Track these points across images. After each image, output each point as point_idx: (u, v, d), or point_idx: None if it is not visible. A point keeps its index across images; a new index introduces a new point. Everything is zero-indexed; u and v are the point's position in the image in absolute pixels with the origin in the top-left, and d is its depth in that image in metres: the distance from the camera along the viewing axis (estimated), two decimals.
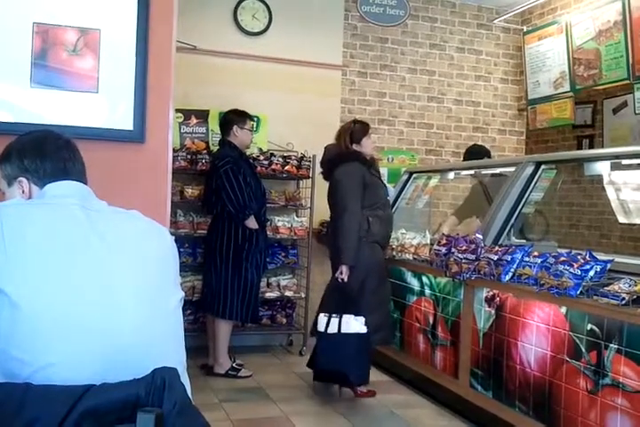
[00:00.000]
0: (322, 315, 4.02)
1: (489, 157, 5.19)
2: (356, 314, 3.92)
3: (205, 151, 4.97)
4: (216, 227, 4.51)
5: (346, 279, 3.98)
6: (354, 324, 3.90)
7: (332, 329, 3.91)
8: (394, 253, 4.48)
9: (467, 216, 4.77)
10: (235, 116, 4.59)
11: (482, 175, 4.94)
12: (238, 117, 4.58)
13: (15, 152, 1.62)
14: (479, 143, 5.81)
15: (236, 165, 4.40)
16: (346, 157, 4.14)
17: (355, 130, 4.19)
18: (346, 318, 3.91)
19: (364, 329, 3.91)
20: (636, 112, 4.90)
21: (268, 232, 4.79)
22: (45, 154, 1.61)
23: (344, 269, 3.98)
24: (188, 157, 4.90)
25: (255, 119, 5.24)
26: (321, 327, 3.97)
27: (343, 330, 3.89)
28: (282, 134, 5.38)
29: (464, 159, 5.28)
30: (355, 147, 4.16)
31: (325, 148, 4.35)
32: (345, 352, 3.85)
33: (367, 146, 4.23)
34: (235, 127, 4.53)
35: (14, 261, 1.34)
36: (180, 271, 1.66)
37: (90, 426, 1.17)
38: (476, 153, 5.12)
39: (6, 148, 1.65)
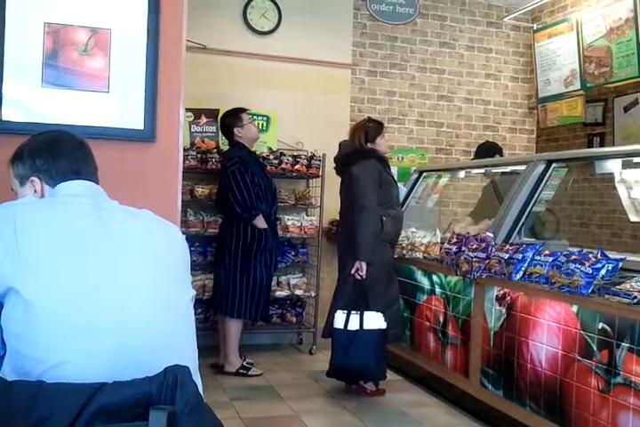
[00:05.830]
0: (339, 312, 4.00)
1: (500, 153, 5.15)
2: (377, 310, 3.95)
3: (215, 150, 4.98)
4: (226, 226, 4.52)
5: (365, 276, 3.99)
6: (376, 320, 3.93)
7: (353, 326, 3.92)
8: (404, 251, 4.47)
9: (480, 219, 4.73)
10: (230, 118, 4.56)
11: (492, 174, 4.91)
12: (233, 119, 4.54)
13: (27, 152, 1.63)
14: (490, 140, 5.78)
15: (244, 164, 4.40)
16: (363, 153, 4.13)
17: (369, 129, 4.18)
18: (368, 314, 3.92)
19: (384, 325, 3.94)
20: None
21: (278, 231, 4.78)
22: (58, 154, 1.62)
23: (363, 265, 3.98)
24: (199, 156, 4.90)
25: (263, 118, 5.24)
26: (339, 324, 3.96)
27: (366, 326, 3.91)
28: (291, 133, 5.38)
29: (475, 156, 5.25)
30: (369, 145, 4.17)
31: (340, 143, 4.35)
32: (367, 348, 3.88)
33: (381, 145, 4.23)
34: (235, 129, 4.51)
35: (27, 259, 1.35)
36: (191, 270, 1.66)
37: (102, 423, 1.18)
38: (486, 149, 5.10)
39: (19, 148, 1.66)
